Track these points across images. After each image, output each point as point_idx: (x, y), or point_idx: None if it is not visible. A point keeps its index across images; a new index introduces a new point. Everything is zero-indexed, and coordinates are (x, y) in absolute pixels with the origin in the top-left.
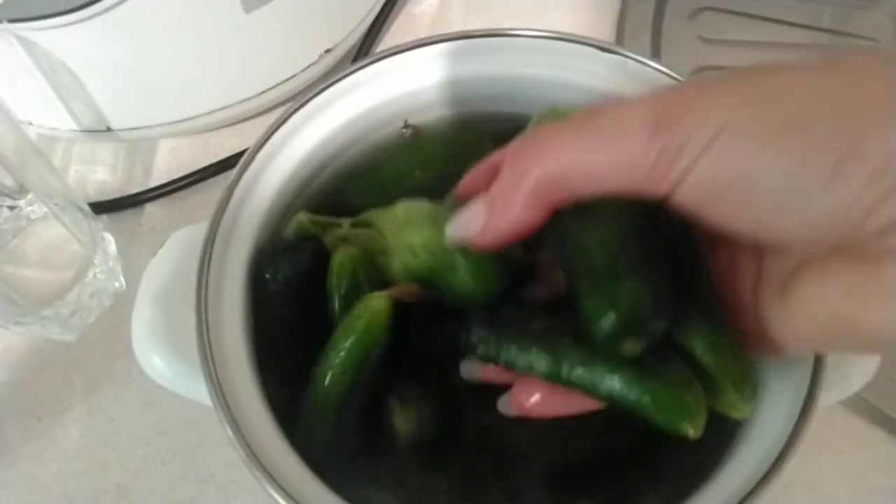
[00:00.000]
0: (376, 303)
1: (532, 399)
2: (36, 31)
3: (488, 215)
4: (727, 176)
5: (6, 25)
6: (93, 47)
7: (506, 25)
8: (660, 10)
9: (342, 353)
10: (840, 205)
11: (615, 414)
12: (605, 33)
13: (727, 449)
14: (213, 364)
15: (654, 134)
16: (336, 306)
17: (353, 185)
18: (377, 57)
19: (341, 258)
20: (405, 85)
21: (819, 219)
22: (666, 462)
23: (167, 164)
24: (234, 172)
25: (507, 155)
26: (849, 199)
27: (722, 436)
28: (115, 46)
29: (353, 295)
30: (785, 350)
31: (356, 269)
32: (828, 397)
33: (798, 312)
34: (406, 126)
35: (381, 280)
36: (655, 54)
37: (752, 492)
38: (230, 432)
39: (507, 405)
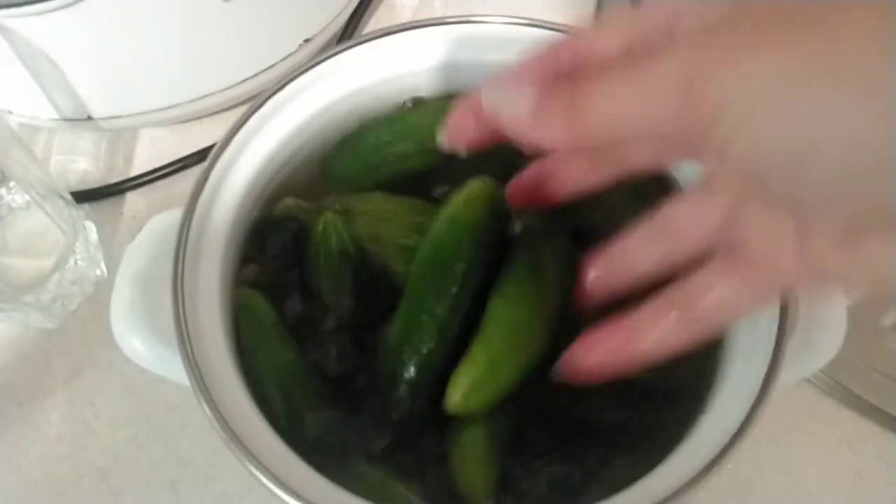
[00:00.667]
0: (238, 294)
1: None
2: (14, 19)
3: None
4: (777, 145)
5: None
6: (72, 35)
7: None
8: (637, 1)
9: (247, 335)
10: None
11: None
12: (583, 23)
13: (688, 427)
14: (190, 343)
15: (687, 94)
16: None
17: (335, 156)
18: (351, 44)
19: (324, 223)
20: (379, 71)
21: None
22: (626, 437)
23: (148, 153)
24: (209, 157)
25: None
26: None
27: (683, 413)
28: (94, 34)
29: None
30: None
31: (340, 235)
32: (793, 373)
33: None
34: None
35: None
36: None
37: (710, 465)
38: (206, 408)
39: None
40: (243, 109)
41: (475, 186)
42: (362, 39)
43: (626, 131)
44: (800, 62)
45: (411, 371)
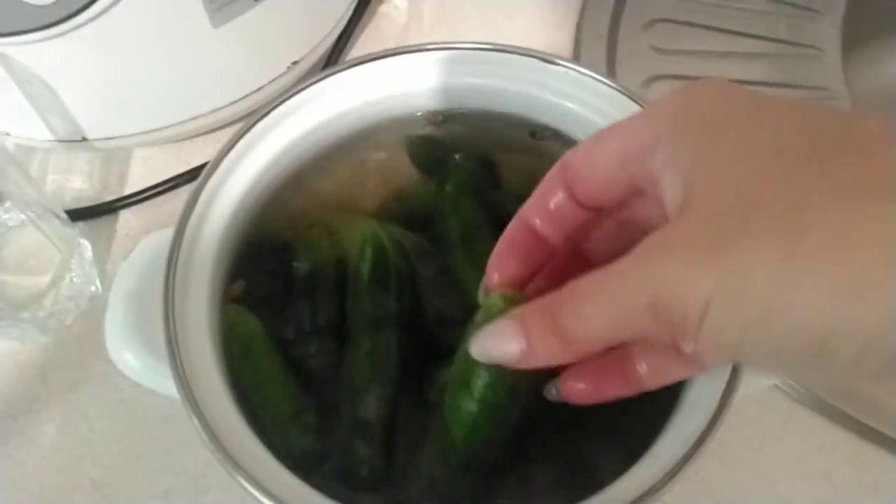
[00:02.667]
0: (226, 309)
1: (577, 387)
2: (11, 46)
3: (526, 349)
4: (725, 340)
5: None
6: (68, 61)
7: (469, 38)
8: (615, 21)
9: (235, 350)
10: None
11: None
12: (563, 44)
13: (652, 436)
14: (180, 358)
15: (656, 321)
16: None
17: None
18: (336, 70)
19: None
20: (362, 96)
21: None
22: (590, 446)
23: (141, 172)
24: (199, 180)
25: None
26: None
27: (648, 423)
28: (89, 60)
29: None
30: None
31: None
32: (759, 381)
33: None
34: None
35: None
36: (611, 64)
37: (669, 475)
38: (195, 421)
39: (553, 393)
40: (233, 129)
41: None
42: (346, 66)
43: (613, 342)
44: (729, 282)
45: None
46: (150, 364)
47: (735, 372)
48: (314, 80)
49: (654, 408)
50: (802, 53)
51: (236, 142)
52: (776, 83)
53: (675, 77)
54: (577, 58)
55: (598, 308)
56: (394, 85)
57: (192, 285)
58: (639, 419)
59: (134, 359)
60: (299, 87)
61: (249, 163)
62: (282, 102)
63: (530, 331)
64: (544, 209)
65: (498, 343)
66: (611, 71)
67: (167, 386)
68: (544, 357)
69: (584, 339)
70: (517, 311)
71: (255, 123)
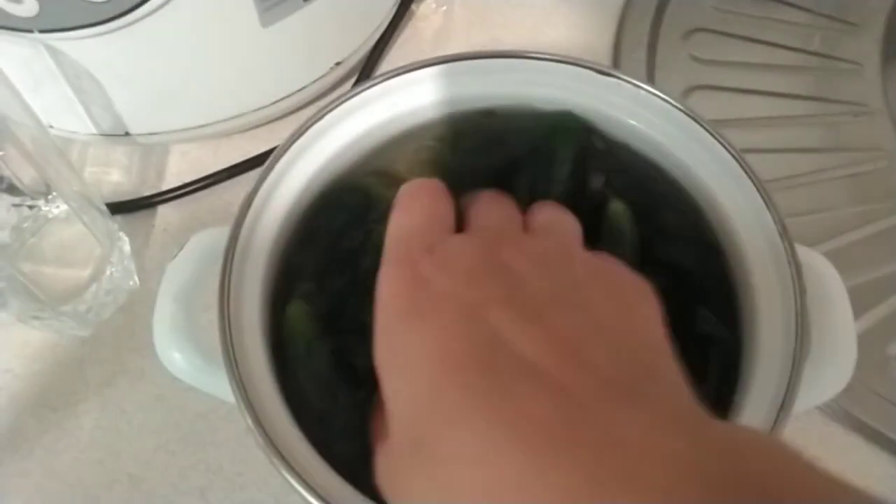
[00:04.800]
0: (291, 308)
1: None
2: (64, 42)
3: None
4: None
5: (36, 35)
6: (117, 57)
7: (506, 41)
8: (655, 30)
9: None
10: None
11: None
12: (603, 51)
13: None
14: (235, 360)
15: None
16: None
17: None
18: (388, 75)
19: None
20: (410, 102)
21: None
22: None
23: (179, 167)
24: (256, 178)
25: None
26: None
27: None
28: (138, 56)
29: None
30: None
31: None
32: (803, 403)
33: None
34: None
35: None
36: (650, 73)
37: None
38: (250, 422)
39: None
40: (273, 127)
41: None
42: (395, 72)
43: None
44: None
45: None
46: (199, 364)
47: (789, 395)
48: (368, 85)
49: None
50: (840, 67)
51: (293, 142)
52: (813, 97)
53: (714, 88)
54: (616, 65)
55: None
56: (443, 91)
57: (247, 286)
58: None
59: (182, 358)
60: (354, 92)
61: (302, 166)
62: (337, 106)
63: None
64: None
65: None
66: (650, 79)
67: (215, 385)
68: None
69: None
70: None
71: (312, 124)
